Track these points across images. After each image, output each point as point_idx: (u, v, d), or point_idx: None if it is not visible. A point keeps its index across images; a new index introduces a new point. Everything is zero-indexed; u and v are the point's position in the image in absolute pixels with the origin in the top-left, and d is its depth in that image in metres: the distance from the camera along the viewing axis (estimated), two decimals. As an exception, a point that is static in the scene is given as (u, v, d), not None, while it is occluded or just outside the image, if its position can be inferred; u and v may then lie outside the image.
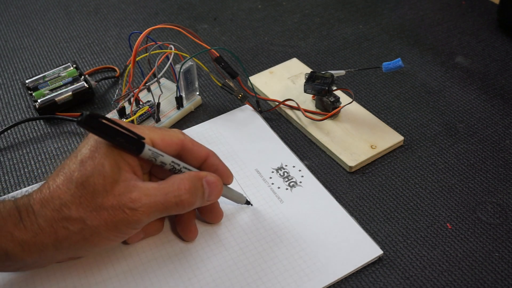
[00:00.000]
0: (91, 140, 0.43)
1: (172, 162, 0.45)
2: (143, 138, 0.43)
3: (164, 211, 0.43)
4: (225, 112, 0.63)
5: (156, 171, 0.47)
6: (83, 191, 0.41)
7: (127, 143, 0.42)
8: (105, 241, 0.42)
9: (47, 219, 0.40)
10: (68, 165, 0.42)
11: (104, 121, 0.41)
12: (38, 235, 0.40)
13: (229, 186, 0.49)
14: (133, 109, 0.58)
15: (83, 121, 0.40)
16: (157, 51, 0.59)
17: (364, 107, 0.62)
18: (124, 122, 0.44)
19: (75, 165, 0.42)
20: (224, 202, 0.51)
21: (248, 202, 0.51)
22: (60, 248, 0.41)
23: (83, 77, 0.65)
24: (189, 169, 0.46)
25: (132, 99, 0.58)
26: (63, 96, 0.62)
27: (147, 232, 0.48)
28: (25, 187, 0.55)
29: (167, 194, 0.43)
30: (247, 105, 0.63)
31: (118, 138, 0.42)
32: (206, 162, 0.47)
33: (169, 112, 0.61)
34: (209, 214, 0.49)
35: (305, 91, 0.60)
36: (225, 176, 0.48)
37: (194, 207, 0.45)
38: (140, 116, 0.59)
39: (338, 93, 0.62)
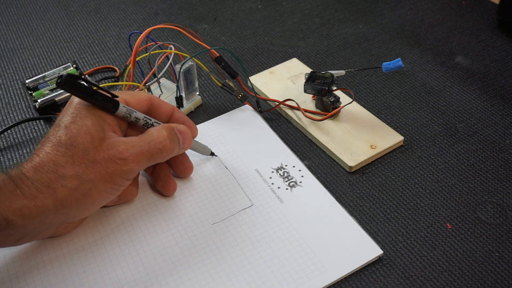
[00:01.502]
0: (70, 108, 0.46)
1: (145, 117, 0.49)
2: (117, 96, 0.47)
3: (151, 158, 0.47)
4: (225, 112, 0.63)
5: (130, 133, 0.50)
6: (74, 150, 0.43)
7: (104, 101, 0.45)
8: (102, 194, 0.45)
9: (43, 182, 0.42)
10: (52, 134, 0.45)
11: (82, 82, 0.44)
12: (38, 198, 0.42)
13: (194, 139, 0.54)
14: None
15: (63, 82, 0.43)
16: (157, 51, 0.59)
17: (364, 107, 0.62)
18: (99, 86, 0.47)
19: (61, 131, 0.44)
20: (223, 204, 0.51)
21: (212, 153, 0.56)
22: (60, 208, 0.43)
23: (83, 77, 0.65)
24: (159, 123, 0.50)
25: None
26: (63, 96, 0.62)
27: (122, 196, 0.50)
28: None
29: (150, 142, 0.47)
30: (247, 105, 0.63)
31: (96, 96, 0.45)
32: (172, 117, 0.52)
33: (169, 112, 0.61)
34: (181, 167, 0.53)
35: (305, 91, 0.60)
36: (191, 128, 0.52)
37: (174, 154, 0.49)
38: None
39: (338, 93, 0.62)
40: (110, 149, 0.45)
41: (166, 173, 0.52)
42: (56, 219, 0.44)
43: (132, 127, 0.50)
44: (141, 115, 0.49)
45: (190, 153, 0.55)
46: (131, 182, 0.49)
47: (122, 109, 0.47)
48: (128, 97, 0.49)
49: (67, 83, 0.43)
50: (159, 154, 0.47)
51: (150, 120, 0.49)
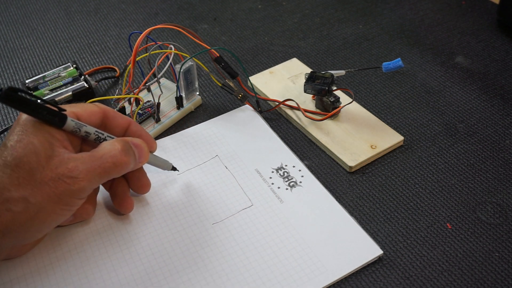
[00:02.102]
0: (17, 126, 0.43)
1: (96, 131, 0.46)
2: (64, 110, 0.44)
3: (104, 174, 0.44)
4: (225, 112, 0.63)
5: (85, 149, 0.48)
6: (19, 171, 0.41)
7: (49, 115, 0.43)
8: (52, 215, 0.42)
9: None
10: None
11: (24, 95, 0.41)
12: None
13: (153, 153, 0.51)
14: (133, 109, 0.58)
15: (3, 96, 0.40)
16: (157, 51, 0.59)
17: (364, 107, 0.62)
18: (45, 100, 0.44)
19: (6, 152, 0.42)
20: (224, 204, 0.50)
21: (174, 168, 0.53)
22: (7, 233, 0.41)
23: (83, 77, 0.65)
24: (112, 137, 0.47)
25: (132, 99, 0.58)
26: (63, 96, 0.62)
27: (77, 214, 0.48)
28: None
29: (102, 157, 0.44)
30: (247, 105, 0.63)
31: (40, 110, 0.42)
32: (128, 130, 0.49)
33: (169, 112, 0.61)
34: (138, 183, 0.50)
35: (305, 91, 0.60)
36: (149, 142, 0.50)
37: (129, 168, 0.46)
38: (140, 116, 0.59)
39: (338, 93, 0.62)
40: (58, 168, 0.42)
41: (123, 190, 0.50)
42: (4, 243, 0.42)
43: (87, 142, 0.47)
44: (92, 129, 0.46)
45: (191, 157, 0.55)
46: (86, 200, 0.47)
47: (70, 123, 0.44)
48: (78, 110, 0.46)
49: (7, 96, 0.40)
50: (113, 169, 0.44)
51: (103, 134, 0.47)
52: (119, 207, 0.50)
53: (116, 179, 0.50)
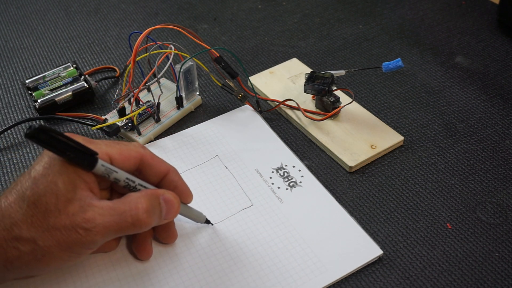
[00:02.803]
0: (45, 157, 0.41)
1: (127, 179, 0.43)
2: (96, 153, 0.41)
3: (120, 231, 0.42)
4: (225, 112, 0.63)
5: (117, 187, 0.45)
6: (35, 210, 0.39)
7: (78, 158, 0.40)
8: (58, 261, 0.41)
9: None
10: (21, 183, 0.41)
11: (53, 134, 0.39)
12: None
13: (188, 205, 0.48)
14: (133, 109, 0.58)
15: (31, 134, 0.38)
16: (157, 51, 0.59)
17: (364, 107, 0.62)
18: (79, 136, 0.42)
19: (28, 183, 0.40)
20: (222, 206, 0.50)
21: (207, 221, 0.49)
22: (11, 269, 0.40)
23: (83, 77, 0.65)
24: (144, 186, 0.44)
25: (132, 99, 0.58)
26: (63, 96, 0.62)
27: (100, 248, 0.45)
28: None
29: (123, 213, 0.41)
30: (247, 105, 0.63)
31: (68, 152, 0.40)
32: (165, 179, 0.46)
33: (169, 112, 0.61)
34: (164, 234, 0.47)
35: (305, 91, 0.60)
36: (184, 194, 0.47)
37: (151, 227, 0.44)
38: (140, 116, 0.59)
39: (338, 93, 0.62)
40: (75, 215, 0.39)
41: (144, 235, 0.46)
42: (7, 276, 0.41)
43: (119, 186, 0.44)
44: (122, 176, 0.43)
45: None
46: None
47: (100, 168, 0.41)
48: (114, 152, 0.43)
49: (36, 135, 0.38)
50: (130, 228, 0.42)
51: (134, 182, 0.44)
52: (137, 252, 0.47)
53: None
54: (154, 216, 0.43)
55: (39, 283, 0.45)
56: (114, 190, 0.46)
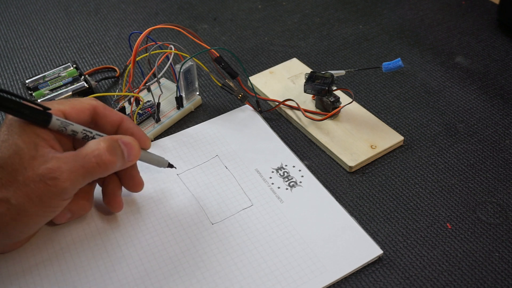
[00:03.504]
0: (3, 127, 0.43)
1: (84, 130, 0.45)
2: (49, 109, 0.43)
3: (88, 175, 0.43)
4: (225, 112, 0.63)
5: (78, 144, 0.47)
6: (2, 173, 0.41)
7: (32, 114, 0.42)
8: (34, 218, 0.42)
9: None
10: None
11: (6, 95, 0.41)
12: None
13: (147, 150, 0.50)
14: (133, 109, 0.58)
15: None
16: (157, 51, 0.59)
17: (364, 107, 0.62)
18: (27, 99, 0.43)
19: None
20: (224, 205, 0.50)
21: (170, 165, 0.51)
22: None
23: (83, 77, 0.65)
24: (102, 135, 0.46)
25: (132, 99, 0.58)
26: (63, 96, 0.62)
27: (74, 211, 0.47)
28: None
29: (86, 156, 0.43)
30: (247, 105, 0.63)
31: (22, 110, 0.42)
32: (120, 127, 0.48)
33: (169, 112, 0.61)
34: (130, 182, 0.49)
35: (305, 91, 0.60)
36: (142, 140, 0.48)
37: (116, 167, 0.45)
38: (140, 116, 0.59)
39: (338, 93, 0.62)
40: (39, 168, 0.41)
41: (113, 188, 0.48)
42: None
43: (79, 142, 0.46)
44: (79, 128, 0.44)
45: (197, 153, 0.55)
46: (81, 196, 0.46)
47: (55, 122, 0.43)
48: (66, 108, 0.45)
49: None
50: (96, 169, 0.43)
51: (91, 132, 0.45)
52: (108, 205, 0.49)
53: (107, 176, 0.48)
54: (116, 156, 0.44)
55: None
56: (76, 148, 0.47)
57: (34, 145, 0.42)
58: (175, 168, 0.53)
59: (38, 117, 0.42)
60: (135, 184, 0.50)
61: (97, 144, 0.44)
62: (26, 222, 0.42)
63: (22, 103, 0.42)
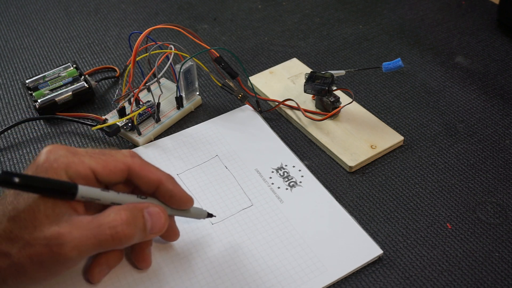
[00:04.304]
0: (31, 169, 0.40)
1: (112, 203, 0.41)
2: (75, 186, 0.39)
3: (98, 246, 0.39)
4: (225, 112, 0.63)
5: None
6: (13, 225, 0.38)
7: (55, 193, 0.39)
8: (35, 279, 0.39)
9: None
10: (6, 197, 0.40)
11: (18, 179, 0.37)
12: None
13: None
14: (132, 109, 0.58)
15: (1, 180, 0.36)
16: (157, 51, 0.59)
17: (364, 107, 0.62)
18: (63, 147, 0.40)
19: (11, 198, 0.39)
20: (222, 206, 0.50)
21: (210, 215, 0.48)
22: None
23: (83, 77, 0.65)
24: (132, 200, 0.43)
25: (132, 99, 0.58)
26: (63, 96, 0.62)
27: (109, 263, 0.44)
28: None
29: (101, 226, 0.39)
30: (247, 105, 0.63)
31: (44, 190, 0.38)
32: (159, 189, 0.43)
33: (169, 112, 0.61)
34: (165, 233, 0.45)
35: (305, 91, 0.60)
36: (182, 201, 0.44)
37: (133, 241, 0.41)
38: (140, 116, 0.59)
39: (338, 93, 0.62)
40: (49, 230, 0.37)
41: (143, 244, 0.44)
42: None
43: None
44: (107, 201, 0.41)
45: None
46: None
47: (80, 199, 0.39)
48: (97, 167, 0.41)
49: (5, 180, 0.37)
50: (110, 242, 0.39)
51: (120, 204, 0.41)
52: (135, 260, 0.45)
53: None
54: (135, 229, 0.40)
55: None
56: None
57: (52, 203, 0.38)
58: (215, 216, 0.48)
59: (62, 195, 0.39)
60: (170, 235, 0.46)
61: (117, 214, 0.40)
62: (25, 282, 0.39)
63: (43, 181, 0.38)
